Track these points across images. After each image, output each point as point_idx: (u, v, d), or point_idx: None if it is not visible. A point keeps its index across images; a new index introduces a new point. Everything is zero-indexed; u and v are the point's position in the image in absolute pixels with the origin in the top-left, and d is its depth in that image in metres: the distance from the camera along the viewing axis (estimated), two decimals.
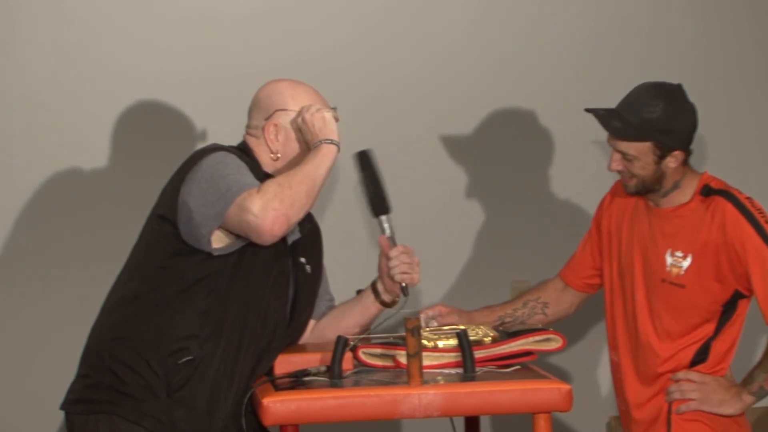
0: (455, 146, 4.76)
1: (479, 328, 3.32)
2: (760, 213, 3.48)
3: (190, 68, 4.57)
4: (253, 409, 3.19)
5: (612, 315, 3.69)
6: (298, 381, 3.13)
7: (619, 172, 3.56)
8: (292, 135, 3.33)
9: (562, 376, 4.71)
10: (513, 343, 3.26)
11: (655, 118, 3.47)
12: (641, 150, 3.49)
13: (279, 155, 3.33)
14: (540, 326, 3.58)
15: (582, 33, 4.80)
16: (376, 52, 4.69)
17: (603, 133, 3.56)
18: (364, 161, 3.38)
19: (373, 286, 3.47)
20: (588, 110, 3.58)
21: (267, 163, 3.34)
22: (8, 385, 4.49)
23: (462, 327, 3.30)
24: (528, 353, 3.28)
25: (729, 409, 3.51)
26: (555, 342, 3.30)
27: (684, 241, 3.52)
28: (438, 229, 4.72)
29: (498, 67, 4.76)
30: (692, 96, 4.88)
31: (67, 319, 4.44)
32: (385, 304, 3.46)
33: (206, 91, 4.58)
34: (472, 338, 3.21)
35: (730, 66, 4.90)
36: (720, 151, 4.90)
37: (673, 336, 3.55)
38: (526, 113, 4.76)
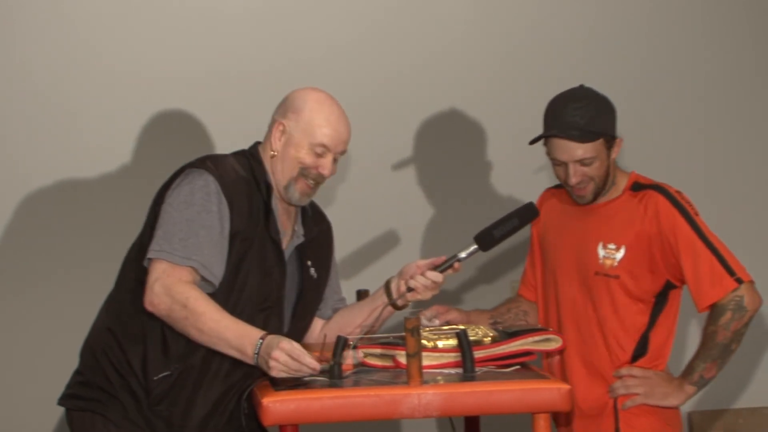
0: (455, 146, 4.76)
1: (479, 328, 3.31)
2: (689, 205, 3.57)
3: (192, 68, 4.57)
4: (252, 409, 3.20)
5: (546, 317, 3.74)
6: (297, 381, 3.13)
7: (577, 184, 3.60)
8: (293, 140, 3.33)
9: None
10: (512, 343, 3.26)
11: (594, 114, 3.56)
12: (598, 148, 3.57)
13: (275, 153, 3.34)
14: (540, 326, 3.58)
15: (582, 33, 4.81)
16: (376, 52, 4.69)
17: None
18: (525, 215, 3.51)
19: (387, 287, 3.49)
20: (536, 139, 3.63)
21: (267, 161, 3.36)
22: (13, 380, 4.51)
23: (462, 327, 3.30)
24: (527, 353, 3.28)
25: (674, 401, 3.57)
26: (555, 342, 3.30)
27: (616, 233, 3.59)
28: (438, 228, 4.72)
29: (498, 67, 4.77)
30: (692, 96, 4.91)
31: (70, 316, 4.45)
32: (396, 307, 3.49)
33: (209, 90, 4.58)
34: (471, 338, 3.21)
35: (730, 66, 4.90)
36: (720, 149, 4.91)
37: (610, 328, 3.60)
38: (526, 114, 4.75)
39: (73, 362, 3.41)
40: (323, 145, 3.31)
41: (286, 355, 3.02)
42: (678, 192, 3.59)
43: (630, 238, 3.56)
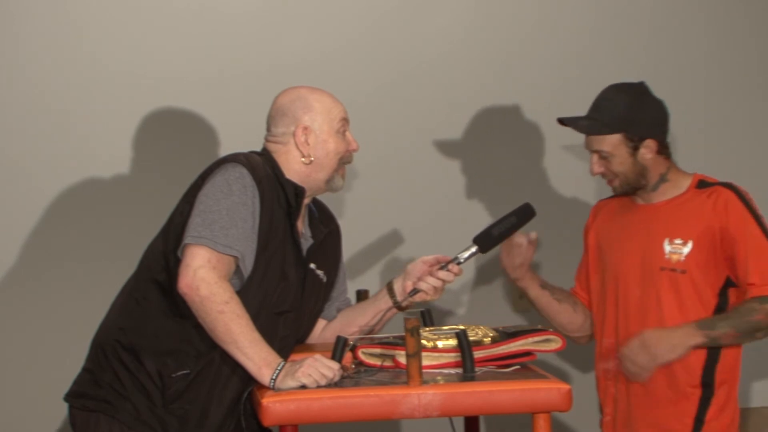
0: (455, 146, 4.76)
1: (479, 329, 3.31)
2: (756, 206, 3.61)
3: (197, 69, 4.58)
4: (253, 409, 3.20)
5: (603, 321, 3.75)
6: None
7: (602, 175, 3.67)
8: (322, 136, 3.36)
9: (562, 376, 4.71)
10: (512, 344, 3.26)
11: (620, 109, 3.60)
12: (614, 144, 3.60)
13: (312, 158, 3.35)
14: (539, 326, 3.59)
15: (582, 34, 4.81)
16: (381, 51, 4.69)
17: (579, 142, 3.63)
18: (523, 214, 3.52)
19: (390, 288, 3.49)
20: (559, 119, 3.69)
21: (296, 169, 3.35)
22: (19, 377, 4.52)
23: (462, 327, 3.30)
24: (527, 353, 3.28)
25: (680, 350, 3.56)
26: (555, 343, 3.30)
27: (683, 228, 3.60)
28: (438, 228, 4.72)
29: (498, 68, 4.77)
30: (693, 96, 4.91)
31: (73, 314, 4.47)
32: (400, 308, 3.49)
33: (214, 91, 4.59)
34: (471, 338, 3.21)
35: (730, 67, 4.90)
36: (720, 149, 4.91)
37: (676, 324, 3.59)
38: (526, 114, 4.76)
39: (78, 359, 3.41)
40: (344, 119, 3.40)
41: (317, 362, 3.05)
42: (746, 192, 3.63)
43: (697, 232, 3.58)
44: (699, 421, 3.60)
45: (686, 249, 3.58)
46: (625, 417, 3.73)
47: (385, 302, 3.50)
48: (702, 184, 3.65)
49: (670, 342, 3.55)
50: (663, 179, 3.66)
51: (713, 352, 3.59)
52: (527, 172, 4.78)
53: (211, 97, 4.58)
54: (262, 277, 3.23)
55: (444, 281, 3.46)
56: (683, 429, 3.60)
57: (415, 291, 3.46)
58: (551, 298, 3.78)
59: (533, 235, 3.70)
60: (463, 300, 4.76)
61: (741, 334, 3.54)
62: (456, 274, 3.48)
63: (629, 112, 3.61)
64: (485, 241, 3.51)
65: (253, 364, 3.09)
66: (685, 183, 3.66)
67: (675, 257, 3.59)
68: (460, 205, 4.75)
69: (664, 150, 3.67)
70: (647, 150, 3.62)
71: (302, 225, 3.41)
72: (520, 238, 3.68)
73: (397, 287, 3.51)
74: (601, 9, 4.82)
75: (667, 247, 3.61)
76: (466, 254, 3.49)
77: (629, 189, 3.66)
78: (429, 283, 3.45)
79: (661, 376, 3.61)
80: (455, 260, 3.48)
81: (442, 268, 3.47)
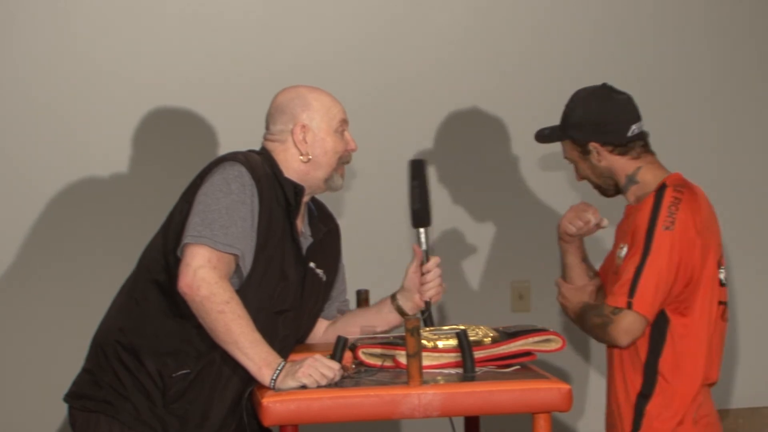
0: (454, 147, 4.76)
1: (479, 329, 3.31)
2: (671, 216, 3.45)
3: (196, 69, 4.59)
4: (253, 409, 3.20)
5: None
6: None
7: (587, 180, 3.64)
8: (320, 135, 3.35)
9: (562, 376, 4.71)
10: (513, 344, 3.26)
11: (570, 115, 3.57)
12: (568, 150, 3.60)
13: (310, 156, 3.34)
14: (539, 326, 3.59)
15: (582, 35, 4.81)
16: (380, 56, 4.71)
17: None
18: (417, 170, 3.45)
19: (399, 309, 3.49)
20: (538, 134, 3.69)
21: (294, 168, 3.34)
22: (21, 375, 4.54)
23: (462, 327, 3.30)
24: (527, 353, 3.28)
25: (571, 319, 3.67)
26: (555, 343, 3.30)
27: (625, 232, 3.56)
28: (437, 228, 4.73)
29: (497, 69, 4.78)
30: (694, 97, 4.90)
31: (78, 312, 4.48)
32: (405, 315, 3.49)
33: (213, 92, 4.60)
34: (471, 338, 3.21)
35: (731, 68, 4.91)
36: (720, 149, 4.91)
37: None
38: (527, 115, 4.77)
39: (78, 359, 3.41)
40: (343, 120, 3.39)
41: (318, 362, 3.06)
42: (675, 202, 3.47)
43: (629, 236, 3.53)
44: (635, 430, 3.58)
45: (623, 253, 3.54)
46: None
47: (395, 317, 3.50)
48: (660, 186, 3.52)
49: (569, 306, 3.66)
50: (631, 181, 3.57)
51: (650, 366, 3.54)
52: (527, 173, 4.78)
53: (211, 97, 4.59)
54: (262, 276, 3.23)
55: (437, 277, 3.46)
56: None
57: (429, 304, 3.46)
58: (584, 272, 3.73)
59: (605, 222, 3.66)
60: (463, 300, 4.76)
61: (587, 331, 3.59)
62: (438, 264, 3.48)
63: (573, 117, 3.57)
64: (418, 218, 3.47)
65: (253, 364, 3.09)
66: (653, 185, 3.53)
67: (618, 261, 3.56)
68: (460, 205, 4.76)
69: (620, 151, 3.55)
70: (596, 153, 3.55)
71: (302, 224, 3.40)
72: (592, 216, 3.62)
73: (406, 306, 3.49)
74: (601, 10, 4.82)
75: (618, 252, 3.58)
76: (424, 241, 3.47)
77: (604, 192, 3.63)
78: (432, 289, 3.45)
79: (614, 384, 3.61)
80: (425, 255, 3.47)
81: (424, 273, 3.46)
